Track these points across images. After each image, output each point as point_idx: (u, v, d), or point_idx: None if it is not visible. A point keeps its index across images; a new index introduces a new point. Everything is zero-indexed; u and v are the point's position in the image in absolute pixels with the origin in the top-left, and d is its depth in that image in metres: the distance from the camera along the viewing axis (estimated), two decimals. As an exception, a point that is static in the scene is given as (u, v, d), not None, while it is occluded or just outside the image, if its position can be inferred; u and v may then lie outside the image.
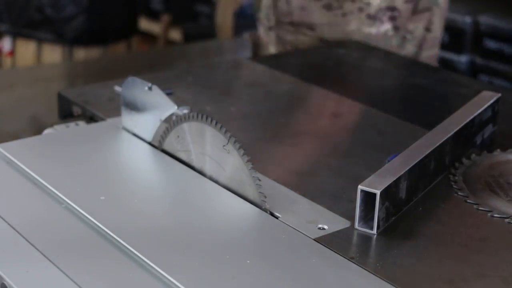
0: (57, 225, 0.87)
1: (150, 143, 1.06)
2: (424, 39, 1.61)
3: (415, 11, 1.58)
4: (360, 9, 1.56)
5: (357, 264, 0.80)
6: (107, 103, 1.20)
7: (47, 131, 1.12)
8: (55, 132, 1.11)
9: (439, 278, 0.79)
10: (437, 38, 1.64)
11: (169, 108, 1.03)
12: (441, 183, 0.98)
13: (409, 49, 1.60)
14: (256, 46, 1.75)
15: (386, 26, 1.56)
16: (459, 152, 1.04)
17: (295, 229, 0.86)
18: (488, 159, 1.04)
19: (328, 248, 0.83)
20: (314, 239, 0.84)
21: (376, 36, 1.57)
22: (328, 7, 1.56)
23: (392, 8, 1.56)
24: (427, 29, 1.61)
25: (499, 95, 1.14)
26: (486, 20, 2.26)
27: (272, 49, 1.68)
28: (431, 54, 1.62)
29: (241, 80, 1.38)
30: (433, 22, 1.61)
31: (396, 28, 1.57)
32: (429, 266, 0.81)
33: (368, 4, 1.55)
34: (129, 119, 1.09)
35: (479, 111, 1.08)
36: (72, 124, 1.15)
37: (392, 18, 1.56)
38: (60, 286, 0.77)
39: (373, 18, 1.56)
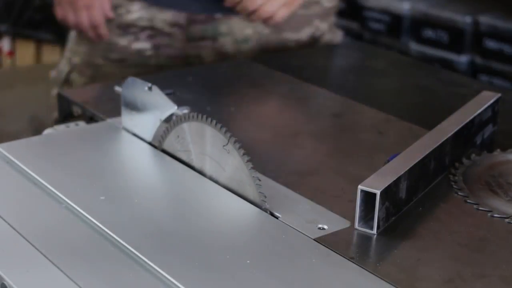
0: (57, 225, 0.87)
1: (150, 143, 1.06)
2: None
3: (189, 39, 1.49)
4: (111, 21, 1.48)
5: (357, 264, 0.80)
6: (107, 103, 1.20)
7: (47, 131, 1.12)
8: (55, 132, 1.11)
9: (439, 278, 0.79)
10: None
11: (169, 108, 1.03)
12: (441, 183, 0.98)
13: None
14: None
15: (144, 45, 1.48)
16: (459, 152, 1.04)
17: (295, 229, 0.86)
18: (488, 159, 1.04)
19: (328, 248, 0.83)
20: (314, 239, 0.84)
21: (127, 49, 1.49)
22: None
23: (151, 28, 1.47)
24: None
25: (499, 95, 1.14)
26: (486, 20, 2.26)
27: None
28: None
29: (241, 80, 1.38)
30: (242, 53, 1.51)
31: (156, 48, 1.48)
32: (429, 266, 0.81)
33: (120, 15, 1.48)
34: (129, 119, 1.09)
35: (479, 111, 1.08)
36: (72, 124, 1.15)
37: (151, 37, 1.48)
38: (60, 286, 0.77)
39: (123, 30, 1.48)
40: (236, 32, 1.48)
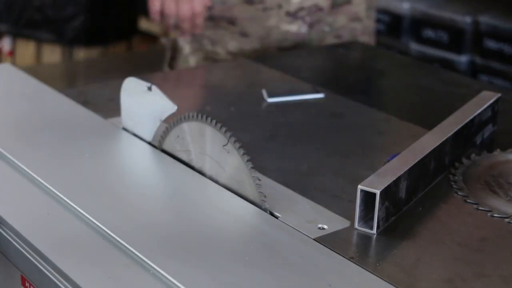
0: (56, 225, 0.87)
1: (150, 143, 1.06)
2: (349, 29, 1.62)
3: (334, 5, 1.59)
4: (279, 6, 1.56)
5: (356, 264, 0.80)
6: (107, 103, 1.20)
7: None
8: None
9: (439, 278, 0.79)
10: (368, 27, 1.65)
11: (169, 108, 1.03)
12: (441, 183, 0.98)
13: (329, 40, 1.61)
14: (174, 50, 1.70)
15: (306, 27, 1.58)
16: (459, 152, 1.04)
17: (295, 228, 0.86)
18: (488, 159, 1.04)
19: (328, 248, 0.83)
20: (314, 239, 0.84)
21: (297, 35, 1.58)
22: (249, 1, 1.56)
23: (315, 7, 1.57)
24: (354, 19, 1.62)
25: (499, 95, 1.15)
26: (486, 20, 2.26)
27: (187, 48, 1.64)
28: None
29: (241, 80, 1.38)
30: (357, 13, 1.62)
31: (311, 25, 1.58)
32: (429, 265, 0.81)
33: (288, 1, 1.55)
34: (129, 119, 1.09)
35: (479, 111, 1.09)
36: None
37: (309, 15, 1.58)
38: (60, 285, 0.77)
39: (293, 16, 1.56)
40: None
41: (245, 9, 1.56)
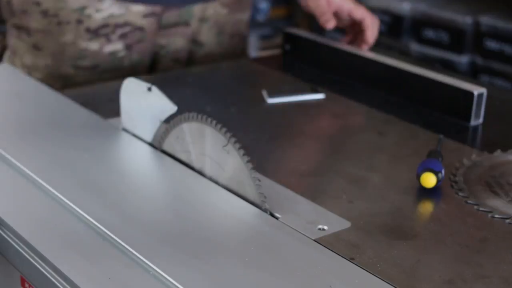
0: (55, 225, 0.87)
1: (149, 144, 1.06)
2: (190, 52, 1.51)
3: (162, 27, 1.45)
4: (79, 21, 1.37)
5: (357, 265, 0.80)
6: (107, 104, 1.20)
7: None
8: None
9: (440, 279, 0.79)
10: (211, 52, 1.53)
11: (169, 109, 1.03)
12: (442, 184, 0.98)
13: (166, 63, 1.49)
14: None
15: (116, 46, 1.41)
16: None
17: (295, 229, 0.86)
18: (488, 160, 1.04)
19: (328, 249, 0.83)
20: (314, 240, 0.84)
21: (99, 54, 1.40)
22: (44, 14, 1.38)
23: (124, 25, 1.39)
24: (195, 42, 1.50)
25: None
26: (486, 20, 2.27)
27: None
28: None
29: (241, 80, 1.39)
30: (196, 34, 1.49)
31: (129, 47, 1.41)
32: (430, 266, 0.81)
33: (89, 16, 1.37)
34: (129, 120, 1.09)
35: None
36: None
37: (123, 36, 1.40)
38: (60, 286, 0.77)
39: (94, 33, 1.38)
40: (204, 13, 1.47)
41: (38, 21, 1.39)
